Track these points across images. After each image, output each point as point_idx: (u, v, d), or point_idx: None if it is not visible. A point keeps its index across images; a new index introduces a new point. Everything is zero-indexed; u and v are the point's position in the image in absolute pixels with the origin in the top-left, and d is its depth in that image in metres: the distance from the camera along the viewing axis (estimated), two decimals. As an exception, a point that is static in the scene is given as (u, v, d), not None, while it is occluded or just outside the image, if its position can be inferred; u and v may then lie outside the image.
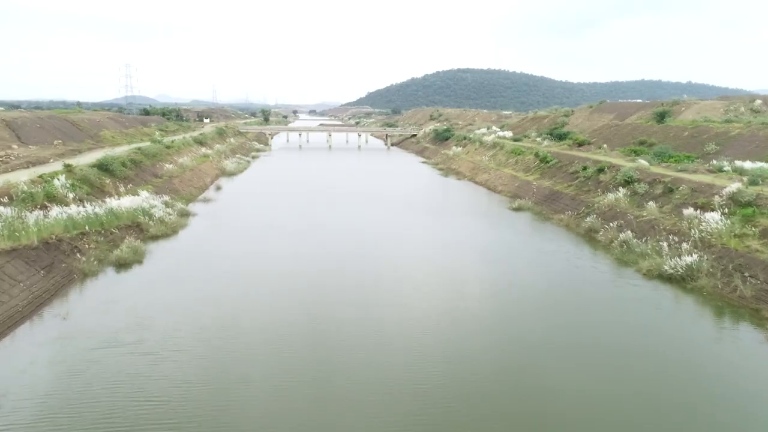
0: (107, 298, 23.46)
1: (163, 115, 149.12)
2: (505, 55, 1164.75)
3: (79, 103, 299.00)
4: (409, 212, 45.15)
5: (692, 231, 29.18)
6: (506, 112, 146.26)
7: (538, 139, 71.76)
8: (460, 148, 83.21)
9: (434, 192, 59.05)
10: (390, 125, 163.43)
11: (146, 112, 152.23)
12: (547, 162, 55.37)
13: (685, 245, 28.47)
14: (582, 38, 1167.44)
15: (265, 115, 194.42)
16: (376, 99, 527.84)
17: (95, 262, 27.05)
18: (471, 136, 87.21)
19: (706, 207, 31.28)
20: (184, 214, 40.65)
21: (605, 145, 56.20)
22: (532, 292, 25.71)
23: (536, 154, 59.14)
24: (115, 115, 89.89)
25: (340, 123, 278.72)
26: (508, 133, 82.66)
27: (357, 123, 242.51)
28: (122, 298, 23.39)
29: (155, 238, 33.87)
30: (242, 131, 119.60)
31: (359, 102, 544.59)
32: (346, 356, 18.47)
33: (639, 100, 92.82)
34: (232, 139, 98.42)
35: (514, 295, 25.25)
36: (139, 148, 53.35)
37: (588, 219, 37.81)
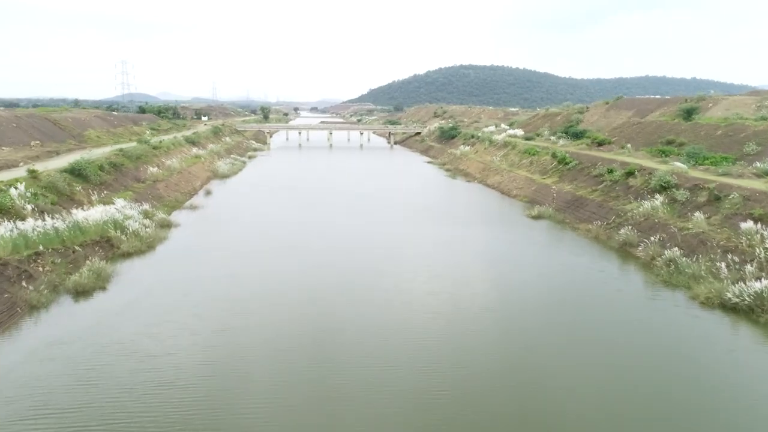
0: (53, 338, 19.05)
1: (159, 113, 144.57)
2: (508, 52, 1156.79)
3: (76, 101, 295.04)
4: (416, 220, 40.67)
5: (756, 250, 24.64)
6: (513, 109, 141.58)
7: (553, 138, 67.16)
8: (468, 148, 78.63)
9: (443, 196, 54.53)
10: (393, 123, 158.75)
11: (142, 110, 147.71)
12: (567, 163, 50.79)
13: (749, 267, 23.92)
14: (584, 34, 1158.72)
15: (265, 112, 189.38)
16: (378, 96, 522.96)
17: (47, 291, 22.65)
18: (479, 134, 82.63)
19: (766, 220, 26.75)
20: (165, 225, 36.22)
21: (629, 145, 51.58)
22: (568, 322, 21.24)
23: (553, 155, 54.57)
24: (104, 113, 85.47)
25: (341, 120, 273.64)
26: (519, 132, 78.04)
27: (359, 120, 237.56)
28: (72, 339, 18.99)
29: (127, 255, 29.47)
30: (239, 130, 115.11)
31: (361, 99, 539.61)
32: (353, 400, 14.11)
33: (657, 96, 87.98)
34: (227, 138, 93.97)
35: (544, 326, 20.74)
36: (121, 150, 48.94)
37: (622, 231, 33.24)
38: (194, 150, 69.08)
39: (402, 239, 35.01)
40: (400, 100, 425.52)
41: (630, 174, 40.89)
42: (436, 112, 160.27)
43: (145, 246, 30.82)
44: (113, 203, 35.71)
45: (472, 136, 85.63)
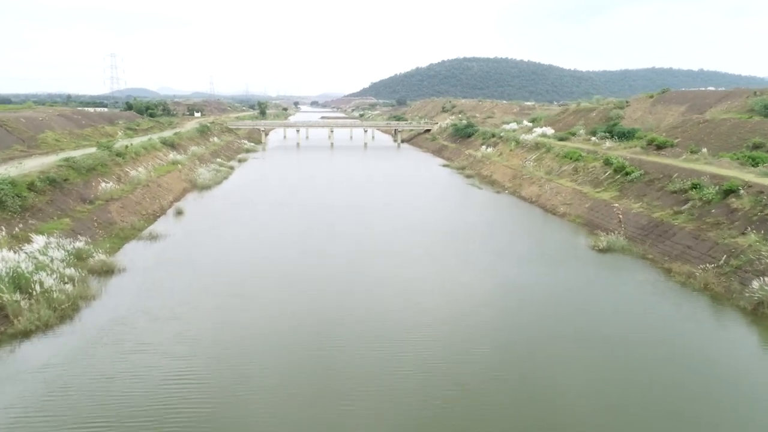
0: None
1: (147, 109, 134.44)
2: (511, 44, 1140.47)
3: (69, 96, 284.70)
4: (442, 254, 30.51)
5: None
6: (528, 103, 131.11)
7: (594, 138, 56.84)
8: (490, 149, 68.26)
9: (470, 213, 44.24)
10: (398, 118, 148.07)
11: (129, 106, 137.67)
12: (627, 173, 40.49)
13: None
14: (588, 26, 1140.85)
15: (262, 108, 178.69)
16: (379, 89, 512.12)
17: None
18: (502, 133, 72.23)
19: None
20: (104, 272, 26.09)
21: (704, 150, 41.27)
22: None
23: (606, 161, 44.28)
24: (73, 111, 75.24)
25: (343, 115, 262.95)
26: (549, 130, 67.64)
27: (361, 115, 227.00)
28: None
29: (26, 334, 19.43)
30: (232, 128, 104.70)
31: (362, 92, 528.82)
32: None
33: (711, 88, 77.21)
34: (215, 139, 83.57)
35: None
36: (68, 160, 38.72)
37: (755, 284, 22.98)
38: (171, 155, 58.83)
39: (426, 288, 24.89)
40: (402, 94, 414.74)
41: (730, 192, 30.65)
42: (444, 107, 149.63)
43: (56, 316, 20.71)
44: (30, 242, 25.60)
45: (493, 135, 75.22)
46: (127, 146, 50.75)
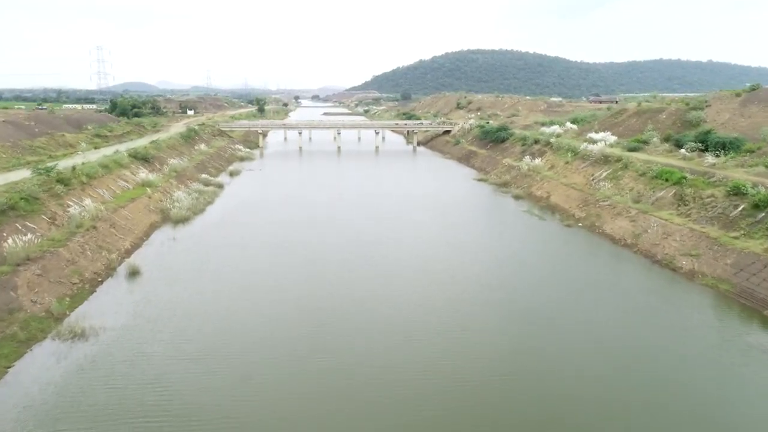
0: None
1: (133, 107, 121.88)
2: (515, 36, 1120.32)
3: (59, 92, 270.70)
4: (530, 372, 18.07)
5: None
6: (555, 99, 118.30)
7: (684, 150, 44.12)
8: (537, 160, 55.45)
9: (548, 266, 31.60)
10: (409, 116, 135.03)
11: (114, 105, 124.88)
12: (783, 212, 27.85)
13: None
14: (590, 17, 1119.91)
15: (260, 104, 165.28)
16: (382, 83, 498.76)
17: None
18: (551, 139, 59.45)
19: None
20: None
21: None
22: None
23: (735, 190, 31.63)
24: (29, 115, 62.60)
25: (346, 111, 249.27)
26: (608, 136, 54.93)
27: (366, 111, 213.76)
28: None
29: None
30: (225, 130, 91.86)
31: (365, 86, 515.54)
32: None
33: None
34: (202, 146, 70.64)
35: None
36: (-34, 199, 26.19)
37: None
38: (142, 173, 46.14)
39: None
40: (406, 87, 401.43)
41: None
42: (459, 103, 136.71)
43: None
44: None
45: (536, 141, 62.44)
46: (74, 168, 38.04)
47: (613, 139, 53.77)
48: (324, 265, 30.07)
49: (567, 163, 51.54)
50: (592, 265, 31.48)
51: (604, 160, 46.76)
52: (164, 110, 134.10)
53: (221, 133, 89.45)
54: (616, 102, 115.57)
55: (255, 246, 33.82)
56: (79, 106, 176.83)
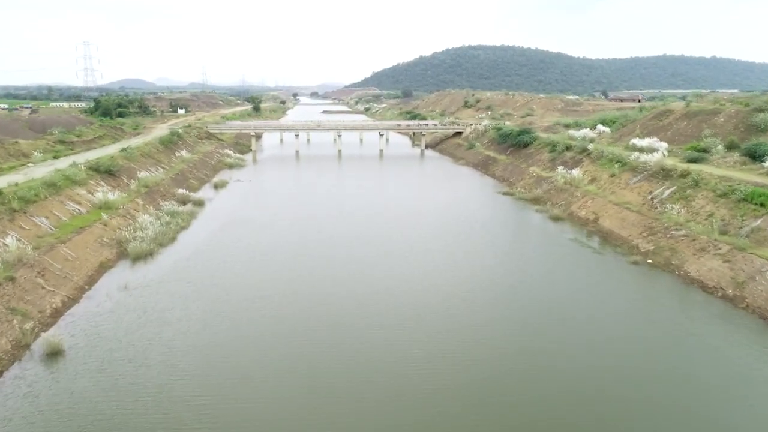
0: None
1: (118, 106, 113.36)
2: (516, 32, 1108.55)
3: (50, 89, 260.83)
4: None
5: None
6: (572, 97, 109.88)
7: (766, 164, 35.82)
8: (575, 171, 47.03)
9: (622, 327, 23.29)
10: (413, 116, 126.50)
11: (97, 103, 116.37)
12: None
13: None
14: (589, 13, 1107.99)
15: (255, 103, 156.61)
16: (382, 79, 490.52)
17: None
18: (589, 146, 50.97)
19: None
20: None
21: None
22: None
23: None
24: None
25: (346, 109, 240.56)
26: (656, 142, 46.60)
27: (366, 109, 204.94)
28: None
29: None
30: (214, 132, 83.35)
31: (364, 83, 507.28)
32: None
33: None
34: (183, 153, 61.97)
35: None
36: None
37: None
38: (100, 192, 37.65)
39: None
40: (406, 84, 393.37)
41: None
42: (467, 101, 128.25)
43: None
44: None
45: (568, 148, 54.06)
46: (0, 191, 29.66)
47: (663, 146, 45.45)
48: (319, 321, 21.81)
49: (613, 176, 43.19)
50: (694, 335, 22.91)
51: (665, 174, 38.39)
52: (153, 109, 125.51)
53: (210, 136, 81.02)
54: (639, 100, 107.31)
55: (231, 297, 25.50)
56: (66, 105, 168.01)
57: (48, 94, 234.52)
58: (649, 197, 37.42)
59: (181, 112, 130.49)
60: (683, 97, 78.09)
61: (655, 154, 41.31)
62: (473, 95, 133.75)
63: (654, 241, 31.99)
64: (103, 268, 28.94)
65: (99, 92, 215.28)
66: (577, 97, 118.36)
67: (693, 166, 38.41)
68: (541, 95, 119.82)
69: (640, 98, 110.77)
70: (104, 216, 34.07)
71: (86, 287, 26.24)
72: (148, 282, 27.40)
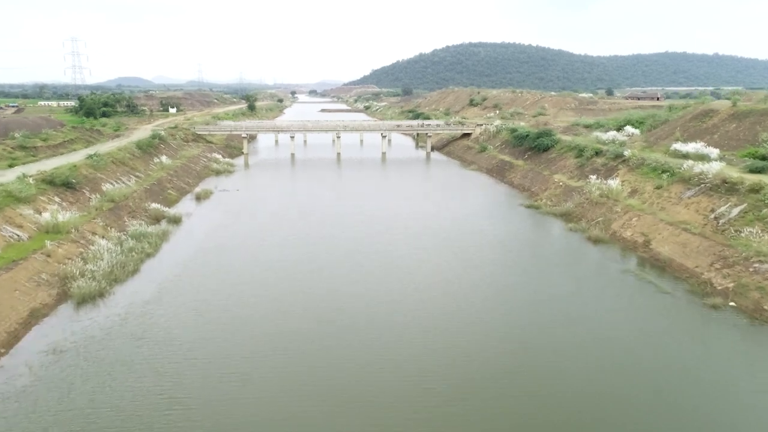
0: None
1: (105, 105, 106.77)
2: (516, 28, 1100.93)
3: (41, 87, 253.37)
4: None
5: None
6: (585, 95, 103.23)
7: None
8: (611, 181, 40.50)
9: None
10: (416, 115, 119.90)
11: (81, 101, 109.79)
12: None
13: None
14: (590, 10, 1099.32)
15: (250, 101, 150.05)
16: (381, 77, 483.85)
17: None
18: (625, 152, 44.39)
19: None
20: None
21: None
22: None
23: None
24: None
25: (345, 107, 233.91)
26: (703, 148, 40.24)
27: (367, 108, 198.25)
28: None
29: None
30: (202, 134, 76.76)
31: (363, 80, 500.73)
32: None
33: None
34: (163, 159, 55.27)
35: None
36: None
37: None
38: (47, 214, 31.05)
39: None
40: (406, 82, 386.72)
41: None
42: (472, 100, 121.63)
43: None
44: None
45: (598, 153, 47.60)
46: None
47: (714, 152, 39.02)
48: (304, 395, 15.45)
49: (659, 188, 36.71)
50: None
51: (729, 187, 31.94)
52: (143, 108, 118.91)
53: (197, 138, 74.48)
54: (658, 98, 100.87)
55: (197, 364, 19.07)
56: (55, 104, 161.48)
57: (40, 92, 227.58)
58: (711, 216, 30.98)
59: (173, 111, 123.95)
60: (686, 95, 71.72)
61: (713, 163, 34.75)
62: (479, 93, 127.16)
63: (732, 276, 25.51)
64: (34, 317, 22.45)
65: (91, 90, 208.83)
66: (591, 95, 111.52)
67: (764, 178, 32.01)
68: (552, 93, 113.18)
69: (659, 96, 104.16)
70: (48, 244, 27.57)
71: (1, 350, 19.76)
72: (88, 338, 20.94)
